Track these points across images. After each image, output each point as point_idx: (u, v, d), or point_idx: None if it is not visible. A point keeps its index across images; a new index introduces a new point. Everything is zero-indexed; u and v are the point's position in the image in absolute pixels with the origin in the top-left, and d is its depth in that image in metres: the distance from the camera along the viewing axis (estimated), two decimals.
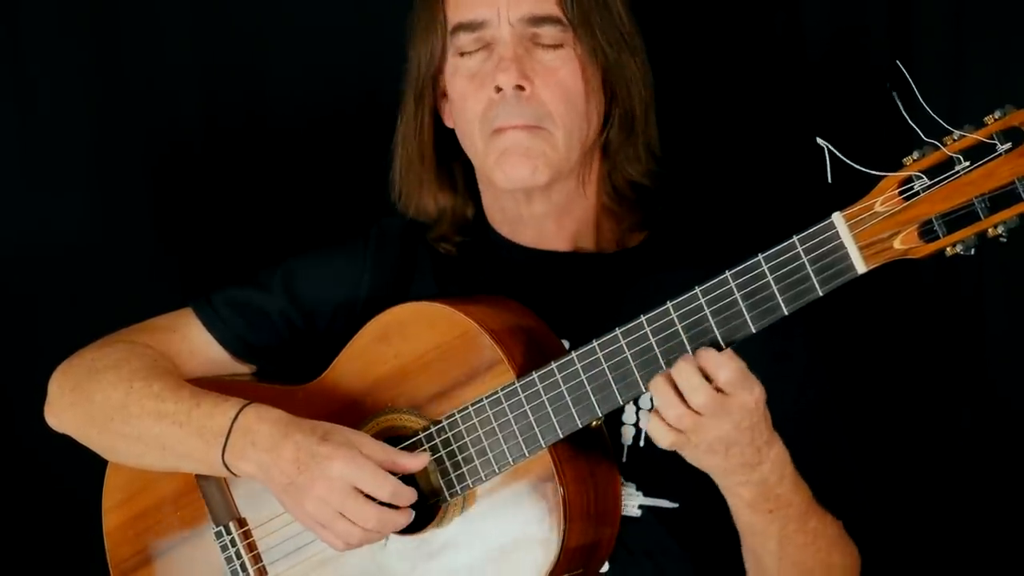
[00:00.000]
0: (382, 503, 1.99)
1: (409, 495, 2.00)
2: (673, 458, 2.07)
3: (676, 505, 2.09)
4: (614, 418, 2.06)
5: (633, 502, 2.08)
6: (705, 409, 1.83)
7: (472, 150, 2.14)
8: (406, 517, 2.01)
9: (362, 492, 1.99)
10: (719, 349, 1.86)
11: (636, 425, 2.09)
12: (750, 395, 1.84)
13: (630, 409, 2.09)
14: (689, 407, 1.84)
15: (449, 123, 2.18)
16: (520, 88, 2.05)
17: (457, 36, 2.10)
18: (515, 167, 2.08)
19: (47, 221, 2.76)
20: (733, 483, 1.92)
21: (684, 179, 2.24)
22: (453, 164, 2.19)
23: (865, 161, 1.73)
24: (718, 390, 1.83)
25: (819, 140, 1.73)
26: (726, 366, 1.83)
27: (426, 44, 2.14)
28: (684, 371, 1.84)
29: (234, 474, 2.09)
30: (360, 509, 1.99)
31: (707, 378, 1.83)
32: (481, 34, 2.08)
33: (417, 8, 2.16)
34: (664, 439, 1.87)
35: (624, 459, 2.08)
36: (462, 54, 2.10)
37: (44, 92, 2.74)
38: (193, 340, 2.26)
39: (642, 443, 2.09)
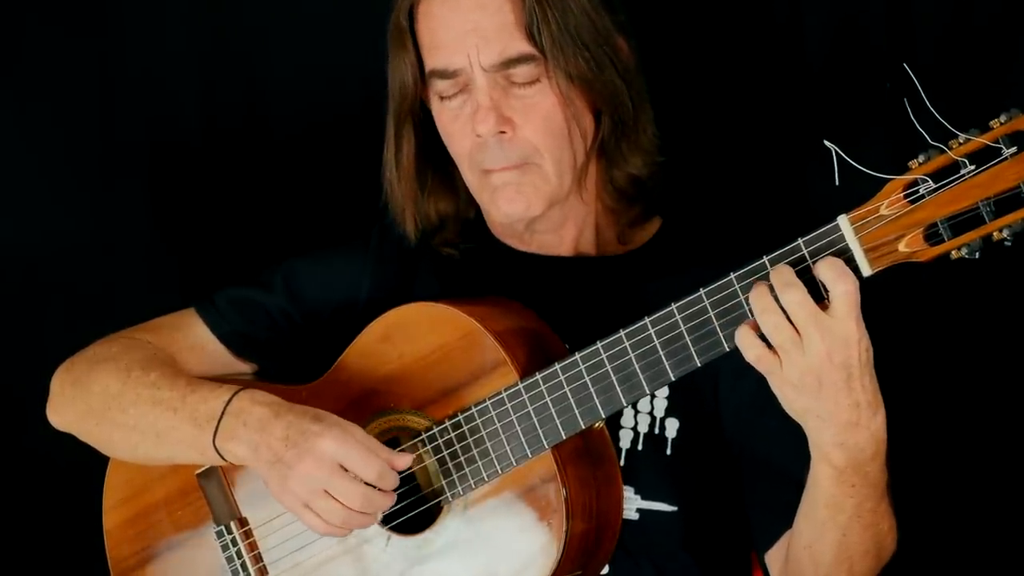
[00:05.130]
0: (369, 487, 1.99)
1: (393, 479, 2.00)
2: (672, 462, 2.09)
3: (675, 508, 2.09)
4: (612, 421, 2.07)
5: (631, 505, 2.09)
6: (799, 318, 1.75)
7: (466, 180, 2.13)
8: (389, 500, 2.00)
9: (348, 472, 1.98)
10: (723, 351, 1.86)
11: (634, 429, 2.10)
12: (852, 326, 1.75)
13: (628, 412, 2.09)
14: (787, 318, 1.76)
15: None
16: (502, 132, 2.04)
17: (434, 81, 2.08)
18: (510, 203, 2.08)
19: (47, 221, 2.76)
20: (827, 441, 1.82)
21: (687, 175, 2.24)
22: (452, 168, 2.17)
23: (871, 164, 1.73)
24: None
25: (826, 142, 1.73)
26: (848, 278, 1.74)
27: (400, 81, 2.12)
28: (782, 271, 1.78)
29: (224, 459, 2.07)
30: (345, 487, 1.97)
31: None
32: (456, 80, 2.05)
33: (388, 42, 2.13)
34: (752, 352, 1.79)
35: (622, 463, 2.08)
36: (442, 97, 2.08)
37: (44, 92, 2.74)
38: (195, 338, 2.26)
39: (640, 447, 2.09)
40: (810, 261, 1.79)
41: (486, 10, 2.03)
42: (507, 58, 2.03)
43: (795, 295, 1.76)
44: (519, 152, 2.06)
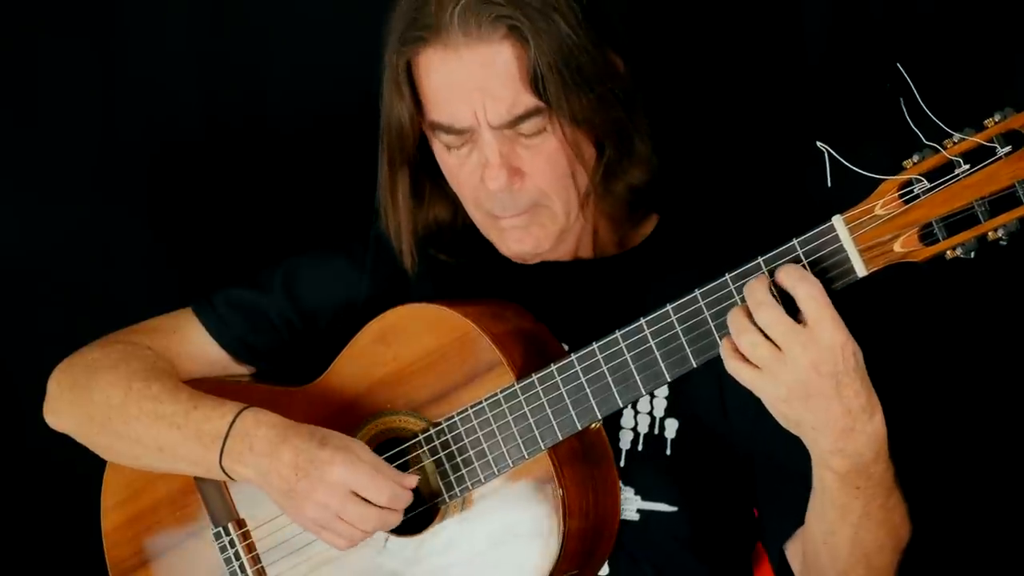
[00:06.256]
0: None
1: (406, 498, 2.01)
2: (672, 462, 2.08)
3: (675, 509, 2.08)
4: (612, 422, 2.06)
5: (631, 506, 2.08)
6: (777, 334, 1.75)
7: (471, 216, 2.12)
8: (400, 517, 2.01)
9: (360, 496, 1.99)
10: (719, 353, 1.84)
11: (634, 429, 2.09)
12: (833, 333, 1.74)
13: (628, 413, 2.08)
14: (766, 337, 1.76)
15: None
16: (512, 183, 2.03)
17: (438, 133, 2.04)
18: (519, 243, 2.08)
19: (47, 221, 2.76)
20: (825, 449, 1.82)
21: (685, 180, 2.23)
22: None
23: (871, 164, 1.72)
24: (799, 322, 1.76)
25: (819, 144, 1.73)
26: (807, 281, 1.75)
27: (393, 112, 2.07)
28: (754, 290, 1.78)
29: (231, 478, 2.09)
30: (360, 513, 1.99)
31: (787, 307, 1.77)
32: (461, 135, 2.02)
33: (384, 76, 2.08)
34: (731, 364, 1.80)
35: (622, 463, 2.08)
36: (447, 147, 2.05)
37: (44, 92, 2.74)
38: (193, 341, 2.26)
39: (640, 447, 2.09)
40: (806, 261, 1.79)
41: (491, 67, 1.98)
42: (515, 116, 1.99)
43: (768, 313, 1.76)
44: (527, 198, 2.04)
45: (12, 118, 2.75)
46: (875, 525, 1.91)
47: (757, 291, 1.78)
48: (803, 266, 1.79)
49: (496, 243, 2.12)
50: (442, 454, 2.03)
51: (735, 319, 1.79)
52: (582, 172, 2.06)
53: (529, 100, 1.98)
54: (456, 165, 2.06)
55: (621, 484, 2.07)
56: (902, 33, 2.41)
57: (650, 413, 2.09)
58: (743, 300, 1.80)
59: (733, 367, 1.80)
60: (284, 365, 2.27)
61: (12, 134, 2.75)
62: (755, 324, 1.77)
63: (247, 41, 2.73)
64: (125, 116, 2.74)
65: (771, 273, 1.79)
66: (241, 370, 2.28)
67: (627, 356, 1.91)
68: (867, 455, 1.82)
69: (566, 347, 2.08)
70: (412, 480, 2.01)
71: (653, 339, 1.89)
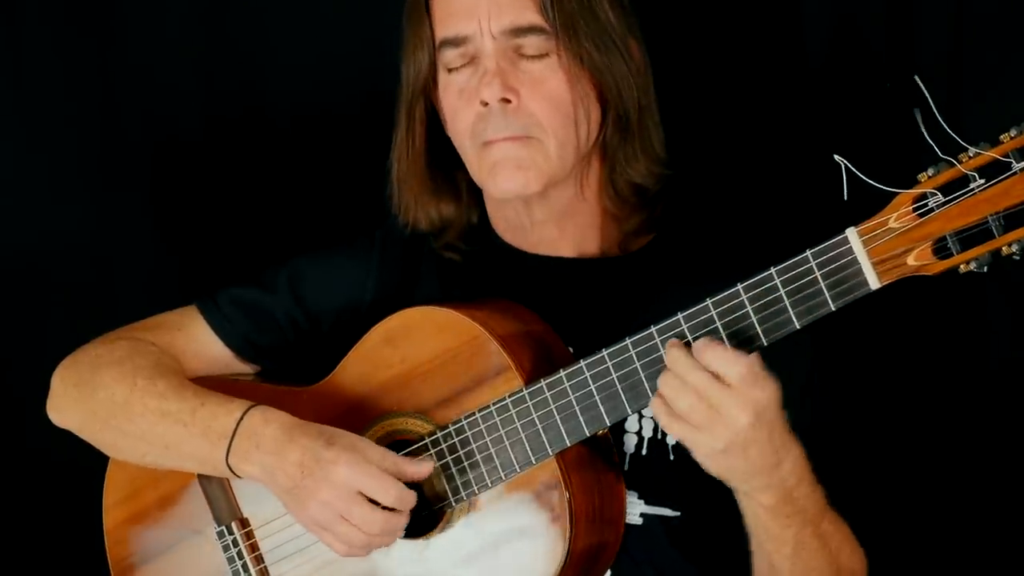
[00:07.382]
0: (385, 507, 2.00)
1: (411, 499, 2.00)
2: (675, 467, 2.08)
3: (678, 514, 2.09)
4: (617, 426, 2.06)
5: (635, 510, 2.09)
6: (710, 397, 1.81)
7: (467, 162, 2.13)
8: (407, 519, 2.01)
9: (366, 497, 1.99)
10: None
11: (639, 433, 2.09)
12: (762, 392, 1.82)
13: (633, 417, 2.08)
14: (700, 398, 1.81)
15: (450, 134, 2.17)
16: (506, 101, 2.04)
17: (443, 52, 2.08)
18: (507, 179, 2.07)
19: (48, 220, 2.76)
20: (753, 488, 1.89)
21: (690, 184, 2.23)
22: (456, 172, 2.17)
23: (880, 177, 1.73)
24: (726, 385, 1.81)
25: (836, 157, 1.73)
26: (738, 361, 1.80)
27: (414, 60, 2.12)
28: (678, 360, 1.83)
29: (237, 476, 2.09)
30: (364, 514, 1.99)
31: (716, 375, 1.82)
32: (465, 49, 2.06)
33: (404, 25, 2.14)
34: (671, 428, 1.85)
35: (626, 467, 2.08)
36: (450, 70, 2.09)
37: (44, 90, 2.74)
38: (197, 339, 2.26)
39: (644, 451, 2.09)
40: (819, 273, 1.79)
41: None
42: (517, 26, 2.03)
43: (699, 378, 1.82)
44: (522, 123, 2.05)
45: (13, 117, 2.74)
46: (810, 554, 1.95)
47: (681, 361, 1.83)
48: (719, 334, 1.84)
49: (487, 182, 2.11)
50: (449, 458, 2.03)
51: (667, 383, 1.84)
52: (583, 123, 2.08)
53: (534, 17, 2.03)
54: (456, 95, 2.08)
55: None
56: (908, 40, 2.41)
57: (654, 418, 2.10)
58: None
59: (666, 423, 1.85)
60: (289, 364, 2.26)
61: (13, 133, 2.75)
62: (688, 384, 1.82)
63: (248, 39, 2.72)
64: (126, 115, 2.73)
65: (693, 341, 1.84)
66: (245, 368, 2.28)
67: (637, 364, 1.92)
68: (790, 481, 1.89)
69: (571, 350, 2.08)
70: (427, 467, 2.01)
71: (663, 348, 1.89)
